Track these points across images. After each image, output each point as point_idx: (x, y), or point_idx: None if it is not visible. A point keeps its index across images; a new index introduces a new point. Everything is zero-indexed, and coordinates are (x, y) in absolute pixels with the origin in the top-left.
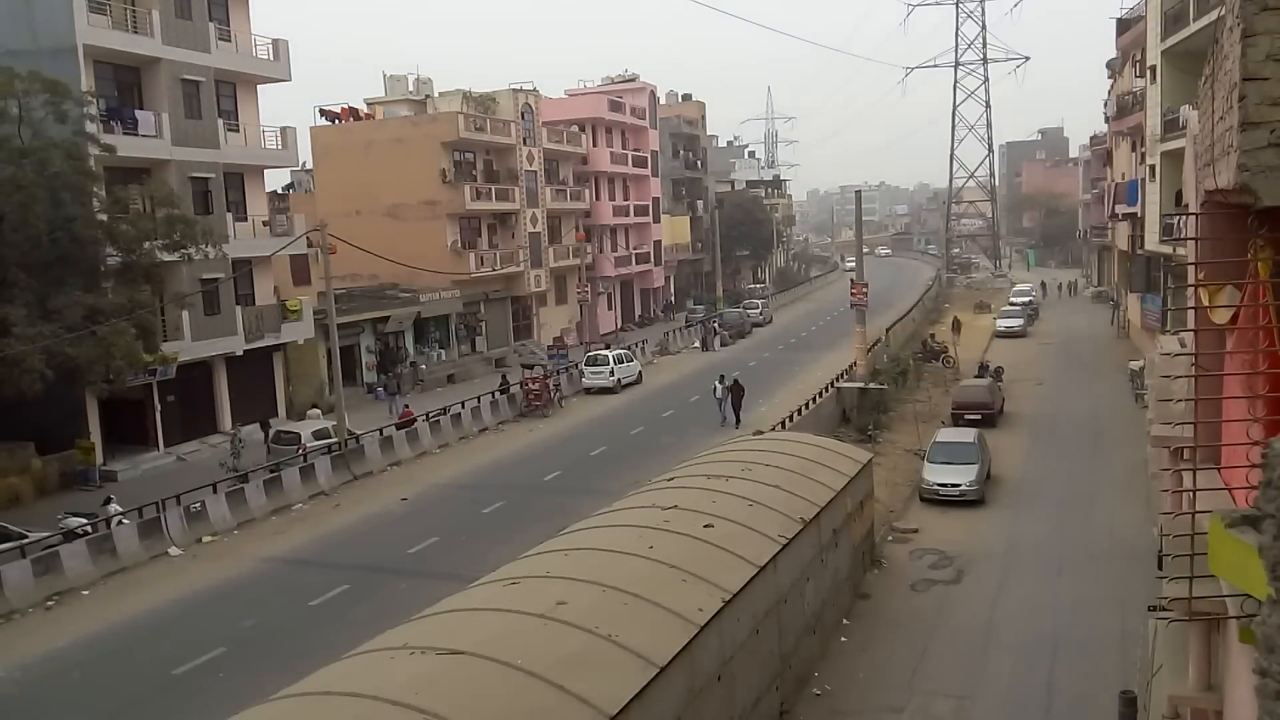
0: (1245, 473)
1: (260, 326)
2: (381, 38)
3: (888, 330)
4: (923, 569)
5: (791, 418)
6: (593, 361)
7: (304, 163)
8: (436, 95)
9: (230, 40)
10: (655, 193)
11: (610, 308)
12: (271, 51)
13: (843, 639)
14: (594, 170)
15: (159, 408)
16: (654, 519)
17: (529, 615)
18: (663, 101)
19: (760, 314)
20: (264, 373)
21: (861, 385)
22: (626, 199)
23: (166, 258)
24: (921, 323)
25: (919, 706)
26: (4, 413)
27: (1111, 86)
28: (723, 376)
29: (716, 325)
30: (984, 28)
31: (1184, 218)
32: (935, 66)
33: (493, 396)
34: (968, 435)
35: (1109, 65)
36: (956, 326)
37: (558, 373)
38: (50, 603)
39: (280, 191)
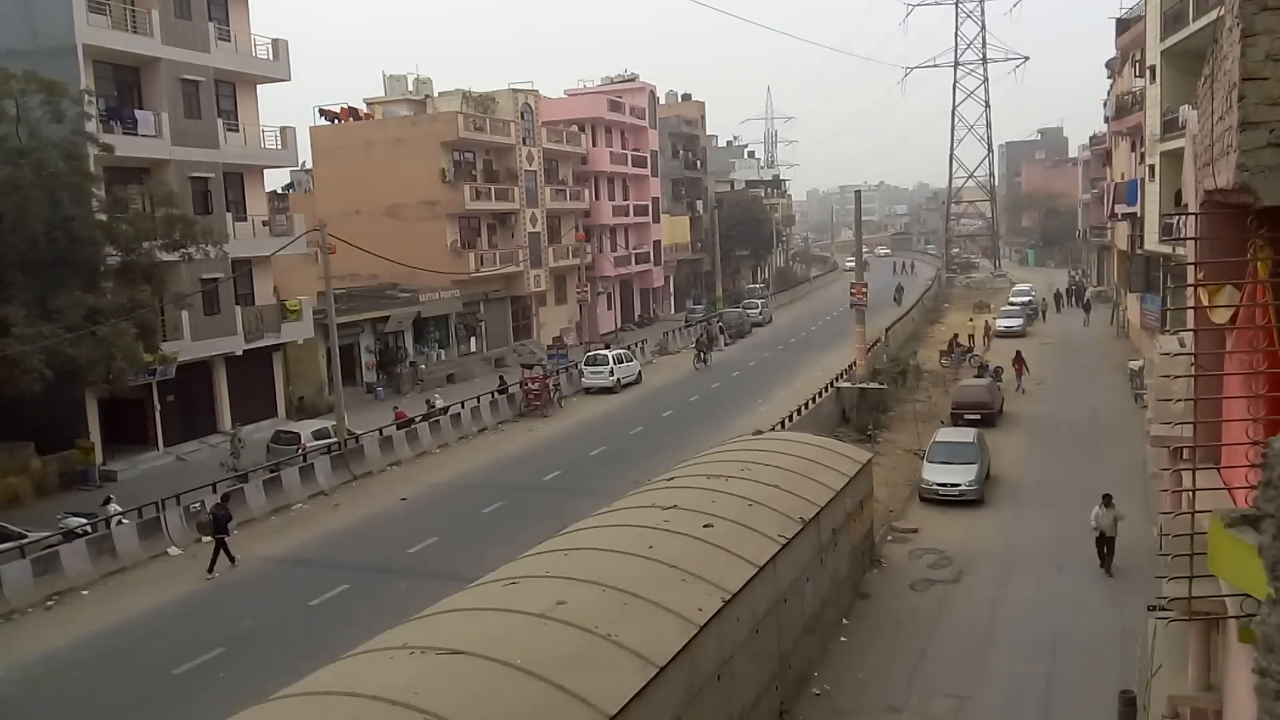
0: (1245, 472)
1: (260, 326)
2: (381, 38)
3: (887, 330)
4: (922, 569)
5: (791, 418)
6: (592, 361)
7: (304, 163)
8: (436, 95)
9: (230, 40)
10: (655, 193)
11: (610, 308)
12: (271, 51)
13: (842, 639)
14: (594, 170)
15: (159, 408)
16: (654, 519)
17: (529, 615)
18: (662, 101)
19: (760, 314)
20: (264, 373)
21: (861, 386)
22: (626, 199)
23: (166, 257)
24: (921, 322)
25: (918, 706)
26: (4, 413)
27: (1111, 86)
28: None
29: (720, 325)
30: (983, 28)
31: (1183, 218)
32: (935, 66)
33: (492, 396)
34: (967, 435)
35: (1109, 65)
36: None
37: (557, 372)
38: (50, 603)
39: (280, 191)
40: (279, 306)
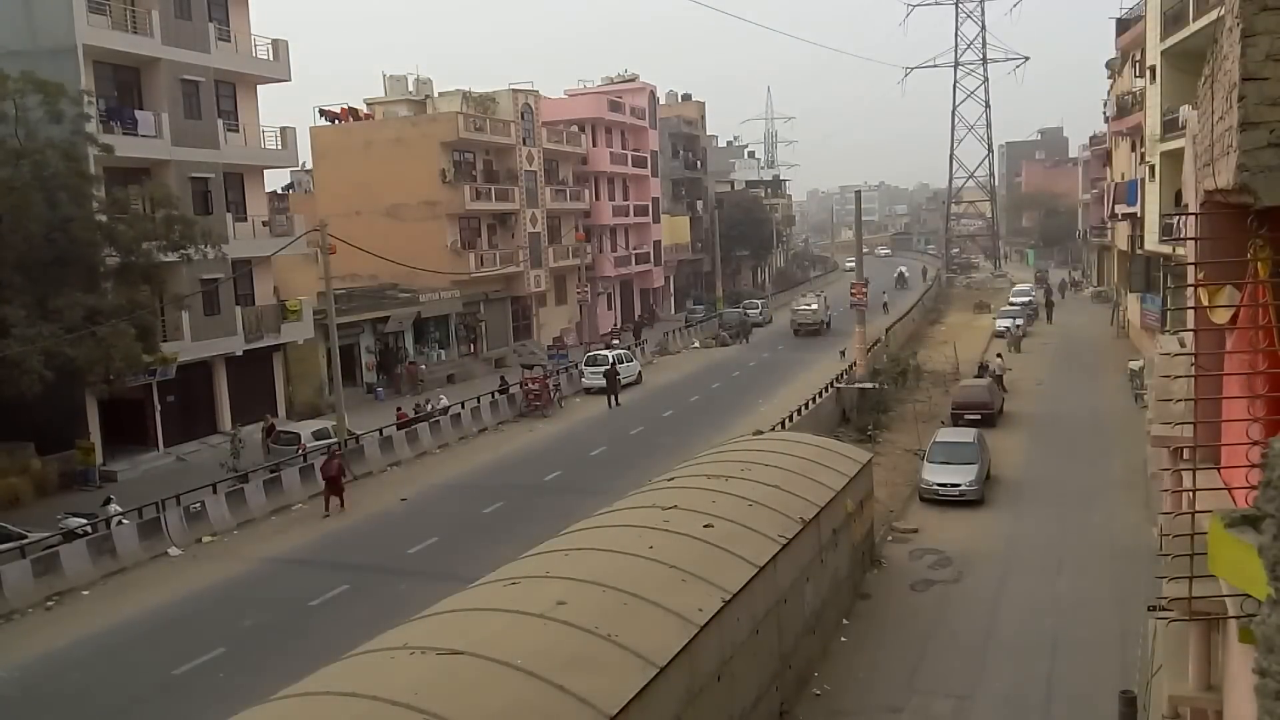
0: (1245, 473)
1: (260, 327)
2: (380, 38)
3: (887, 330)
4: (922, 569)
5: (791, 418)
6: (592, 361)
7: (304, 163)
8: (436, 95)
9: (230, 40)
10: (655, 193)
11: (610, 308)
12: (271, 52)
13: (842, 639)
14: (594, 170)
15: (159, 408)
16: (654, 519)
17: (529, 615)
18: (662, 101)
19: (760, 314)
20: (264, 373)
21: (861, 386)
22: (626, 199)
23: (166, 258)
24: (921, 322)
25: (919, 706)
26: (4, 413)
27: (1111, 86)
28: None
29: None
30: (983, 28)
31: (1183, 218)
32: (935, 66)
33: (492, 397)
34: (967, 435)
35: (1109, 65)
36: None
37: (557, 373)
38: (50, 603)
39: (280, 191)
40: (279, 307)
